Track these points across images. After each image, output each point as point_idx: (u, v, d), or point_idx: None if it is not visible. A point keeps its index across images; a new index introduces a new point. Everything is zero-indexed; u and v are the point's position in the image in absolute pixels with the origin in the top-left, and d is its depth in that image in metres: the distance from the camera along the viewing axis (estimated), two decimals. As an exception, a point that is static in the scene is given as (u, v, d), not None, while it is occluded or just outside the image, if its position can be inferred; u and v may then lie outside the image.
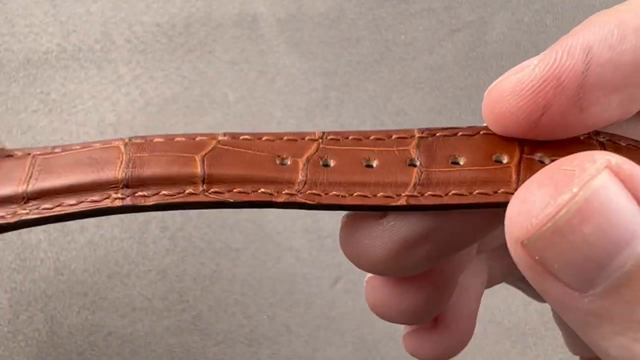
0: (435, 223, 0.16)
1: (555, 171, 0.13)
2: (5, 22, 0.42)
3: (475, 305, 0.21)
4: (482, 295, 0.22)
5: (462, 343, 0.21)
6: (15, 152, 0.16)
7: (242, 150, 0.16)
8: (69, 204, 0.15)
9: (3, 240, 0.37)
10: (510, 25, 0.46)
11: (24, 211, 0.15)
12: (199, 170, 0.15)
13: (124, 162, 0.15)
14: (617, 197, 0.12)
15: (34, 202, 0.15)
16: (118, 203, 0.15)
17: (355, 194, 0.15)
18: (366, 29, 0.44)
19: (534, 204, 0.12)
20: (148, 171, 0.15)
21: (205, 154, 0.15)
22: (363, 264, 0.17)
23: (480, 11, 0.46)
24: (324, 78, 0.43)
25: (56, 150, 0.16)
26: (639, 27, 0.14)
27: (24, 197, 0.15)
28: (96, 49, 0.42)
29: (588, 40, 0.14)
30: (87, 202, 0.15)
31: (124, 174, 0.15)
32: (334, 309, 0.38)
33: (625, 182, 0.12)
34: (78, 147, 0.16)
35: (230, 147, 0.16)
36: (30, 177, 0.15)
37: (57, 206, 0.15)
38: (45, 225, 0.37)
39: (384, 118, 0.42)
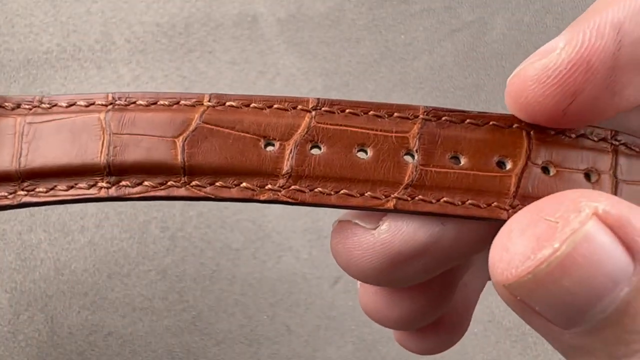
0: (431, 237, 0.15)
1: (537, 219, 0.12)
2: (5, 22, 0.42)
3: (473, 302, 0.21)
4: (481, 291, 0.21)
5: (454, 339, 0.20)
6: (6, 104, 0.16)
7: (225, 130, 0.15)
8: (61, 189, 0.15)
9: (3, 240, 0.37)
10: (510, 25, 0.46)
11: (22, 192, 0.15)
12: (179, 161, 0.15)
13: (105, 143, 0.15)
14: (600, 249, 0.11)
15: (29, 182, 0.15)
16: (104, 194, 0.15)
17: (341, 192, 0.15)
18: (366, 29, 0.44)
19: (515, 255, 0.12)
20: (129, 159, 0.15)
21: (187, 137, 0.15)
22: (353, 274, 0.16)
23: (480, 11, 0.46)
24: (324, 78, 0.43)
25: (43, 104, 0.15)
26: None
27: (19, 177, 0.15)
28: (96, 49, 0.42)
29: (618, 17, 0.13)
30: (77, 189, 0.15)
31: (105, 161, 0.15)
32: (334, 309, 0.38)
33: (613, 227, 0.11)
34: (64, 103, 0.15)
35: (213, 126, 0.15)
36: (21, 153, 0.15)
37: (51, 190, 0.15)
38: (46, 225, 0.37)
39: (384, 118, 0.42)
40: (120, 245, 0.37)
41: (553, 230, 0.12)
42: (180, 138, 0.15)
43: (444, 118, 0.15)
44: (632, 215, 0.11)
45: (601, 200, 0.12)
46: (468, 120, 0.15)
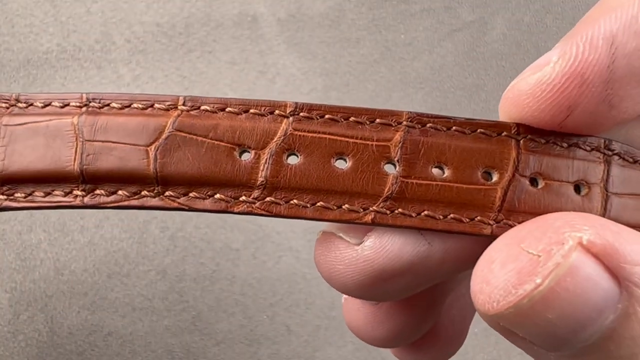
0: (417, 256, 0.14)
1: (518, 252, 0.12)
2: (5, 22, 0.42)
3: (471, 313, 0.20)
4: None
5: (450, 351, 0.20)
6: None
7: (199, 138, 0.14)
8: (38, 195, 0.15)
9: (3, 240, 0.37)
10: (510, 25, 0.46)
11: (2, 197, 0.15)
12: (151, 171, 0.14)
13: (78, 150, 0.15)
14: (585, 281, 0.11)
15: (8, 187, 0.15)
16: (79, 202, 0.15)
17: (318, 204, 0.14)
18: (366, 29, 0.44)
19: (496, 289, 0.12)
20: (102, 167, 0.14)
21: (159, 146, 0.14)
22: (335, 287, 0.15)
23: (480, 11, 0.46)
24: (324, 78, 0.43)
25: (20, 102, 0.15)
26: None
27: None
28: (96, 49, 0.42)
29: (611, 29, 0.12)
30: (53, 196, 0.15)
31: (79, 169, 0.15)
32: (334, 309, 0.38)
33: (598, 255, 0.11)
34: (39, 104, 0.15)
35: (186, 134, 0.14)
36: None
37: (29, 195, 0.15)
38: (46, 225, 0.37)
39: (384, 118, 0.42)
40: (120, 245, 0.37)
41: (535, 264, 0.11)
42: (153, 147, 0.14)
43: (428, 125, 0.14)
44: (618, 242, 0.11)
45: (585, 230, 0.11)
46: (454, 128, 0.14)
